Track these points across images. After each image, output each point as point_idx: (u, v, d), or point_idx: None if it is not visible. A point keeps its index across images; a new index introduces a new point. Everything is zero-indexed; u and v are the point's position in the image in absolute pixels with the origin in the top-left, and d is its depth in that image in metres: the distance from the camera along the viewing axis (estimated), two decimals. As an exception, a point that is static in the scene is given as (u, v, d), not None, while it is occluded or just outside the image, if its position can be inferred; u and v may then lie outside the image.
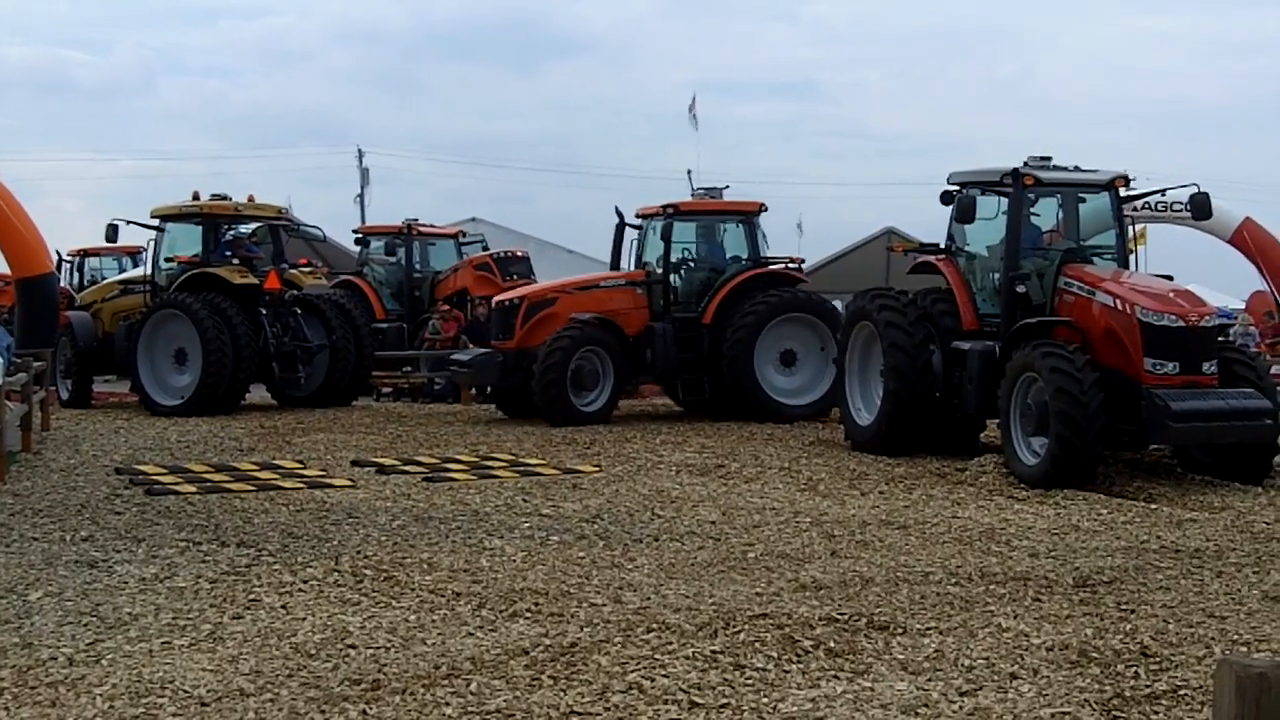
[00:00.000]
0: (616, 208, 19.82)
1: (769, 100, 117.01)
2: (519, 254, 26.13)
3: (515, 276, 25.27)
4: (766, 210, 20.00)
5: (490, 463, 14.37)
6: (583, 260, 37.42)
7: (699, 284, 19.65)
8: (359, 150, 53.05)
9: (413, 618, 7.68)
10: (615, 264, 19.99)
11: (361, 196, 51.25)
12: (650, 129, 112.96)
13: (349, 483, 12.92)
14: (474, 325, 24.41)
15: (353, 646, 7.05)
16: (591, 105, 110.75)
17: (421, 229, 26.61)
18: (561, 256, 36.04)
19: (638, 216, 20.00)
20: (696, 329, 19.15)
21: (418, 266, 26.34)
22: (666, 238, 19.12)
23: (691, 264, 19.95)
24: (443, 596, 8.20)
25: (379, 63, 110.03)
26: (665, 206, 19.46)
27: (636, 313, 19.28)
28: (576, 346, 18.42)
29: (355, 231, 28.34)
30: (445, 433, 17.46)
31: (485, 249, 26.61)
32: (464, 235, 27.68)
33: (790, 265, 19.92)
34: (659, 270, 19.38)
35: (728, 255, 19.95)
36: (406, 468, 13.95)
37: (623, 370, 18.93)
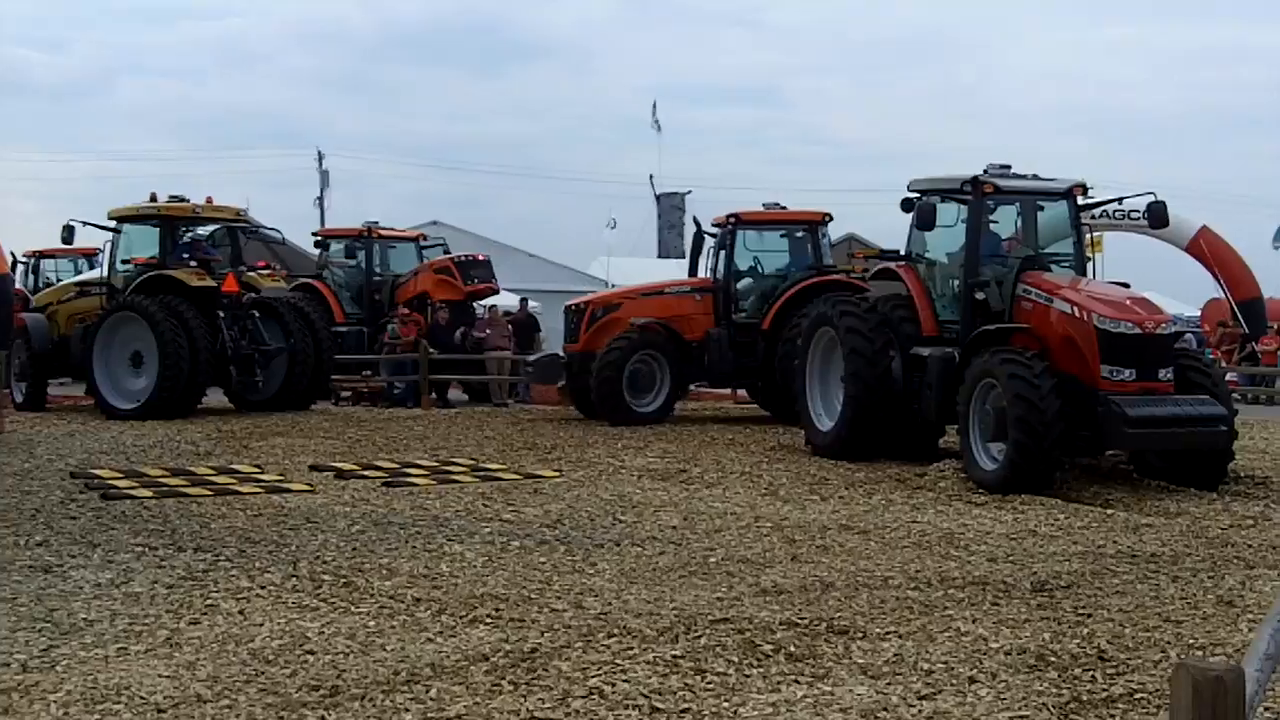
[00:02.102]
0: (695, 217, 20.50)
1: (731, 106, 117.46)
2: (480, 258, 26.03)
3: (476, 281, 25.22)
4: (831, 220, 20.44)
5: (450, 468, 14.33)
6: (545, 265, 37.38)
7: (763, 291, 19.99)
8: (319, 152, 52.93)
9: (372, 623, 7.64)
10: (693, 271, 20.56)
11: (321, 199, 51.13)
12: (612, 133, 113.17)
13: (307, 487, 12.84)
14: (435, 329, 24.34)
15: (311, 652, 7.00)
16: (553, 109, 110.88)
17: (382, 232, 26.47)
18: (522, 260, 35.94)
19: (713, 225, 20.48)
20: (754, 335, 19.55)
21: (378, 270, 26.19)
22: (725, 246, 19.78)
23: (757, 272, 20.36)
24: (402, 602, 8.15)
25: (340, 64, 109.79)
26: (728, 216, 20.03)
27: (700, 318, 19.88)
28: (632, 351, 19.28)
29: (315, 234, 28.18)
30: (405, 437, 17.40)
31: (446, 252, 26.49)
32: (425, 238, 27.57)
33: (853, 274, 20.11)
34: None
35: (792, 264, 20.26)
36: (366, 472, 13.88)
37: (679, 374, 19.79)
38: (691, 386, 22.29)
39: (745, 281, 20.25)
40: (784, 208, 20.71)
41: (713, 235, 20.31)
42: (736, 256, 20.00)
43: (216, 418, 19.30)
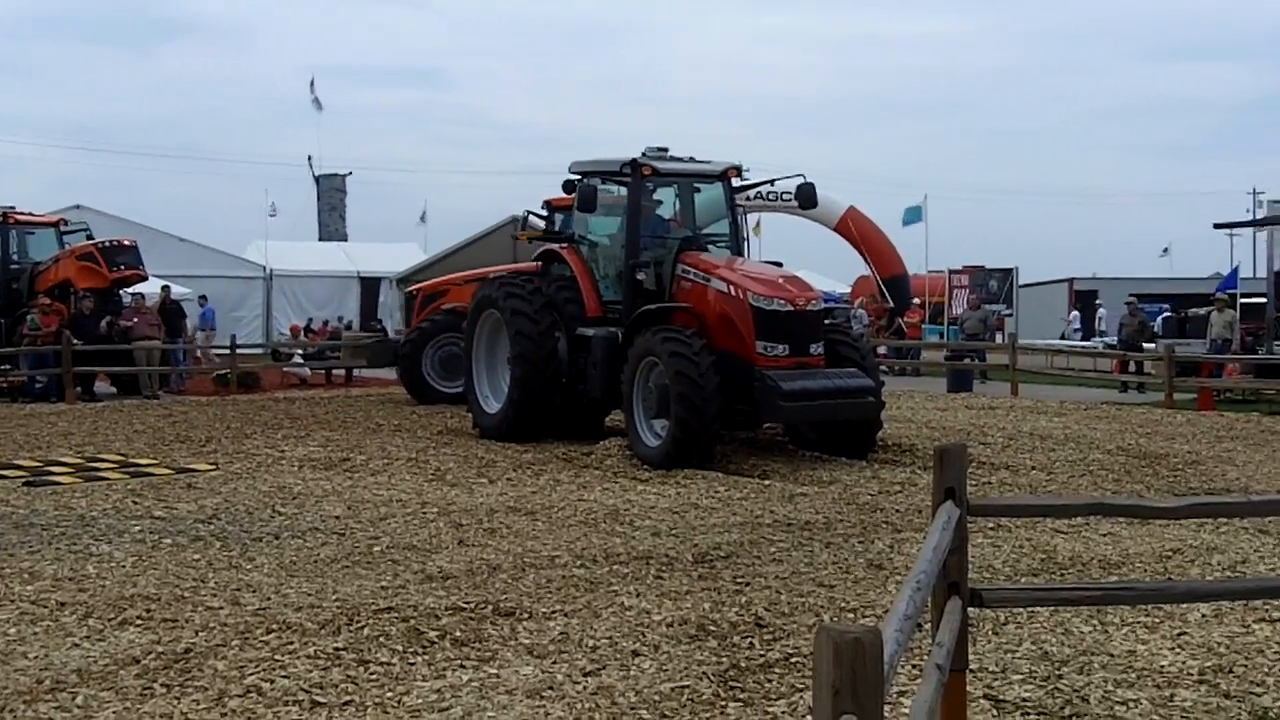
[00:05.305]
0: (545, 201, 19.97)
1: (394, 87, 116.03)
2: (126, 243, 24.93)
3: (122, 267, 24.16)
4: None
5: (97, 464, 13.62)
6: (197, 249, 36.04)
7: None
8: (-52, 133, 49.34)
9: (12, 631, 7.17)
10: None
11: (-48, 183, 47.63)
12: (270, 114, 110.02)
13: (-63, 491, 11.94)
14: (78, 319, 23.07)
15: (-59, 667, 6.49)
16: (207, 88, 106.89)
17: (19, 217, 25.13)
18: (173, 245, 34.56)
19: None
20: None
21: (15, 257, 24.86)
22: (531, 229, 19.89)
23: None
24: (45, 607, 7.68)
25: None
26: (544, 203, 19.92)
27: None
28: (432, 334, 20.35)
29: (-56, 221, 26.30)
30: (48, 434, 16.49)
31: (89, 238, 25.21)
32: (66, 224, 26.14)
33: None
34: None
35: None
36: (5, 472, 13.10)
37: None
38: None
39: None
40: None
41: (540, 216, 20.11)
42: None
43: None
